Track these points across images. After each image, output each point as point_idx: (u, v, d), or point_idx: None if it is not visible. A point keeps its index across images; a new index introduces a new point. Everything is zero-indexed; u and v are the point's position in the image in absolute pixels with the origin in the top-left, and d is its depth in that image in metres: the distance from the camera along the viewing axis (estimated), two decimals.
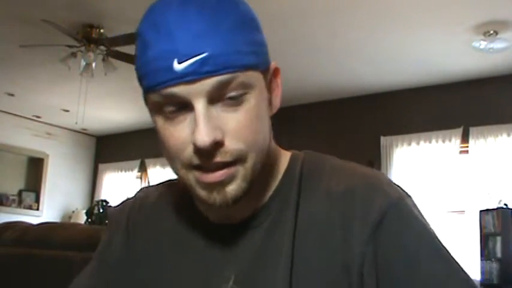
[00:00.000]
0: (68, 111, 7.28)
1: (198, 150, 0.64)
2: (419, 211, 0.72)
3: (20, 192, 7.82)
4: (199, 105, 0.63)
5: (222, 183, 0.66)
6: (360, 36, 4.74)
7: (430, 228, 0.71)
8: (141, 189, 0.88)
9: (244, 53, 0.64)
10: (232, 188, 0.67)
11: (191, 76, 0.62)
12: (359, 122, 6.25)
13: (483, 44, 4.66)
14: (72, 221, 7.64)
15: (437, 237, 0.70)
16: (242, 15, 0.66)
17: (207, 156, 0.64)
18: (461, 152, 5.61)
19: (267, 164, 0.73)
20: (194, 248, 0.76)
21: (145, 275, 0.79)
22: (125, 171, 8.14)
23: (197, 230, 0.76)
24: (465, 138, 5.58)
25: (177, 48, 0.62)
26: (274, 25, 4.48)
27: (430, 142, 5.77)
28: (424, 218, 0.72)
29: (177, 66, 0.62)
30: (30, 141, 7.85)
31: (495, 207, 5.09)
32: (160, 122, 0.67)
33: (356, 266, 0.67)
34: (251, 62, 0.65)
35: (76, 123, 7.07)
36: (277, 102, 0.74)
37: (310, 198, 0.73)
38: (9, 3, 4.31)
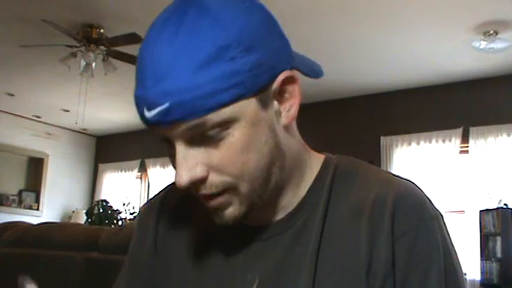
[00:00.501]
0: (68, 111, 7.28)
1: (181, 188, 0.65)
2: (442, 233, 0.71)
3: (20, 192, 7.82)
4: (178, 146, 0.64)
5: (219, 208, 0.68)
6: (359, 37, 4.75)
7: (449, 253, 0.70)
8: (169, 185, 0.87)
9: (217, 92, 0.60)
10: (230, 211, 0.68)
11: (160, 124, 0.62)
12: (359, 122, 6.26)
13: (483, 44, 4.66)
14: (72, 221, 7.64)
15: (452, 263, 0.70)
16: (224, 39, 0.60)
17: (193, 190, 0.66)
18: (461, 152, 5.62)
19: (289, 175, 0.72)
20: (219, 249, 0.76)
21: (171, 274, 0.79)
22: (125, 171, 8.14)
23: (222, 232, 0.75)
24: (465, 138, 5.58)
25: (145, 96, 0.62)
26: None
27: (430, 142, 5.77)
28: (446, 239, 0.71)
29: (147, 114, 0.62)
30: (30, 141, 7.85)
31: (495, 207, 5.09)
32: (163, 147, 0.70)
33: (378, 280, 0.67)
34: (228, 98, 0.60)
35: (76, 123, 7.08)
36: (292, 112, 0.69)
37: (340, 207, 0.72)
38: (9, 3, 4.32)
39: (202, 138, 0.63)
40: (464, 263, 5.28)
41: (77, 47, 4.76)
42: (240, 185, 0.66)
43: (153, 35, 0.63)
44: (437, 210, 0.73)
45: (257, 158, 0.65)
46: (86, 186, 8.61)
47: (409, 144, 5.89)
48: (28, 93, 6.69)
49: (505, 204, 5.08)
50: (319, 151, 0.80)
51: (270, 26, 0.66)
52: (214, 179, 0.65)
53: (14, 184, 7.80)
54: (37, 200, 7.93)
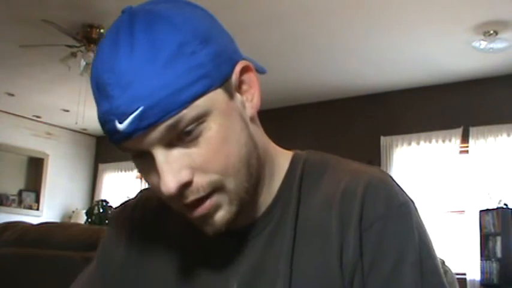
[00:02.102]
0: (68, 111, 7.28)
1: (170, 197, 0.63)
2: (414, 219, 0.69)
3: (20, 192, 7.82)
4: (157, 153, 0.62)
5: (209, 214, 0.66)
6: (359, 36, 4.75)
7: (422, 240, 0.68)
8: (142, 190, 0.86)
9: (186, 86, 0.60)
10: (220, 215, 0.66)
11: (136, 133, 0.60)
12: (359, 122, 6.26)
13: (483, 44, 4.66)
14: (72, 221, 7.64)
15: (427, 249, 0.68)
16: (180, 36, 0.61)
17: (181, 198, 0.64)
18: (461, 152, 5.62)
19: (263, 169, 0.72)
20: (196, 255, 0.75)
21: (147, 282, 0.77)
22: (125, 171, 8.14)
23: (199, 237, 0.73)
24: (465, 138, 5.58)
25: (114, 108, 0.60)
26: (274, 25, 4.49)
27: (430, 142, 5.77)
28: (419, 225, 0.69)
29: (120, 127, 0.60)
30: (30, 141, 7.85)
31: (495, 207, 5.10)
32: (136, 165, 0.67)
33: (348, 273, 0.66)
34: (198, 90, 0.61)
35: (76, 123, 7.08)
36: (255, 101, 0.69)
37: (310, 204, 0.72)
38: (9, 3, 4.32)
39: (180, 139, 0.62)
40: (464, 263, 5.29)
41: (77, 47, 4.76)
42: (226, 181, 0.65)
43: (106, 51, 0.62)
44: (408, 196, 0.71)
45: (238, 149, 0.65)
46: (86, 186, 8.61)
47: (409, 144, 5.89)
48: (28, 93, 6.69)
49: (505, 204, 5.08)
50: (288, 148, 0.79)
51: (215, 24, 0.68)
52: (200, 180, 0.63)
53: (14, 184, 7.80)
54: (37, 200, 7.93)
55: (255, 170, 0.68)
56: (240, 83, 0.68)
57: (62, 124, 8.09)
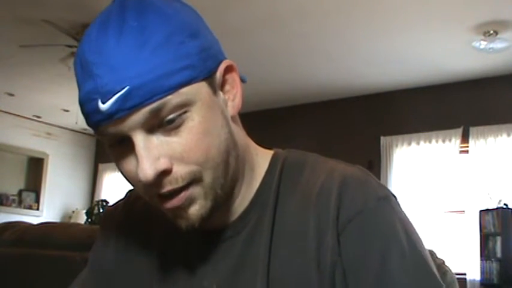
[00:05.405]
0: (68, 111, 7.28)
1: (146, 184, 0.62)
2: (395, 212, 0.68)
3: (20, 192, 7.82)
4: (137, 138, 0.61)
5: (183, 207, 0.65)
6: (359, 36, 4.75)
7: (406, 231, 0.67)
8: (130, 190, 0.84)
9: (173, 73, 0.60)
10: (195, 209, 0.65)
11: (118, 114, 0.59)
12: (359, 122, 6.26)
13: (483, 44, 4.66)
14: (72, 221, 7.64)
15: (412, 240, 0.66)
16: (170, 26, 0.62)
17: (157, 187, 0.63)
18: (461, 152, 5.62)
19: (242, 170, 0.71)
20: (176, 256, 0.75)
21: (131, 284, 0.78)
22: None
23: (180, 238, 0.74)
24: (465, 138, 5.58)
25: (99, 87, 0.59)
26: (272, 26, 4.48)
27: (430, 142, 5.77)
28: (401, 217, 0.68)
29: (102, 107, 0.59)
30: (30, 141, 7.85)
31: (495, 207, 5.10)
32: (112, 155, 0.66)
33: (327, 274, 0.65)
34: (184, 78, 0.61)
35: (76, 123, 7.08)
36: (237, 102, 0.69)
37: (288, 205, 0.71)
38: (9, 3, 4.32)
39: (161, 126, 0.61)
40: (464, 263, 5.29)
41: (76, 47, 4.76)
42: (205, 173, 0.64)
43: (95, 33, 0.62)
44: (389, 191, 0.70)
45: (218, 143, 0.65)
46: (86, 186, 8.61)
47: (409, 144, 5.89)
48: (28, 93, 6.69)
49: (505, 204, 5.09)
50: (270, 148, 0.79)
51: (203, 23, 0.69)
52: (180, 170, 0.63)
53: (14, 184, 7.80)
54: (37, 200, 7.93)
55: (232, 169, 0.68)
56: (224, 82, 0.68)
57: (62, 124, 8.09)
